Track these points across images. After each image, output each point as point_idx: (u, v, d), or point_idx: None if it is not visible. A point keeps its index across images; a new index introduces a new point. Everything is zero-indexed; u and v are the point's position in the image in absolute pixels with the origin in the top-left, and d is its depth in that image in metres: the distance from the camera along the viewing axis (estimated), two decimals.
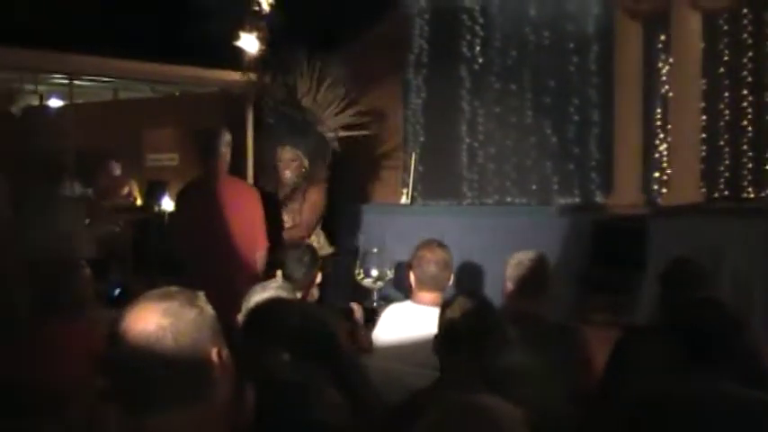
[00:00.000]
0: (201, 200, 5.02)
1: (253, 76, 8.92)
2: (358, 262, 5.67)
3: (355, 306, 4.32)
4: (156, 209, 10.55)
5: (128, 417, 1.60)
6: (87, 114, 12.95)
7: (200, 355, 1.64)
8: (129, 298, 3.46)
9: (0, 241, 3.92)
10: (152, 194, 11.18)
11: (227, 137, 5.08)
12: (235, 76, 9.73)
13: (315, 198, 5.84)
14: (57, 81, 14.75)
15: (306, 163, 5.84)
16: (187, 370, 1.62)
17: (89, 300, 3.41)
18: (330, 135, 6.92)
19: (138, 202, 11.80)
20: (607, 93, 9.46)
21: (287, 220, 5.76)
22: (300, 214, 5.79)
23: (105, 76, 14.07)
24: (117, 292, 3.54)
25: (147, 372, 1.60)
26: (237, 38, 11.10)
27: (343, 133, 7.17)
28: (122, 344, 1.61)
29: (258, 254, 5.00)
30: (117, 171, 10.96)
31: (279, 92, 7.30)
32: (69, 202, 4.53)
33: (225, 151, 5.06)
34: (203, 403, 1.63)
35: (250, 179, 9.51)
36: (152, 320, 1.62)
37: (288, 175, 5.80)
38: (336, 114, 7.29)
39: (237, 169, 5.99)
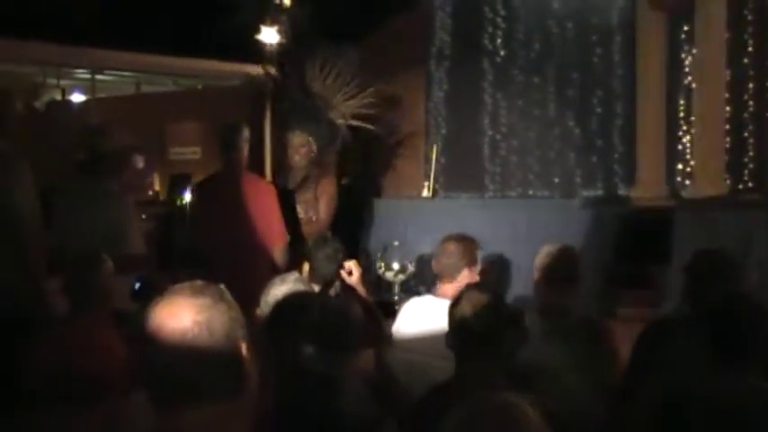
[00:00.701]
0: (219, 194, 5.03)
1: (272, 68, 8.94)
2: (379, 255, 5.67)
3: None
4: (179, 202, 10.59)
5: (162, 412, 1.60)
6: (109, 108, 13.02)
7: (234, 349, 1.65)
8: (150, 292, 3.49)
9: (29, 233, 3.97)
10: (175, 188, 11.24)
11: (245, 132, 5.07)
12: (257, 69, 9.75)
13: (330, 191, 5.84)
14: (79, 75, 14.86)
15: (315, 148, 5.83)
16: (222, 365, 1.62)
17: (112, 293, 3.43)
18: (341, 122, 6.90)
19: (159, 195, 11.87)
20: (630, 84, 9.39)
21: (300, 211, 5.74)
22: (314, 208, 5.77)
23: (128, 71, 14.16)
24: (138, 285, 3.55)
25: (183, 368, 1.60)
26: (259, 31, 11.13)
27: (354, 122, 7.14)
28: (157, 340, 1.61)
29: (277, 247, 5.00)
30: (140, 164, 11.00)
31: (289, 78, 7.30)
32: (118, 198, 4.56)
33: (243, 146, 5.06)
34: (236, 397, 1.63)
35: (268, 174, 9.53)
36: (187, 316, 1.62)
37: (297, 159, 5.79)
38: (347, 100, 7.26)
39: (257, 164, 5.99)
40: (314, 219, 5.81)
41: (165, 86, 15.63)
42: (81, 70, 14.41)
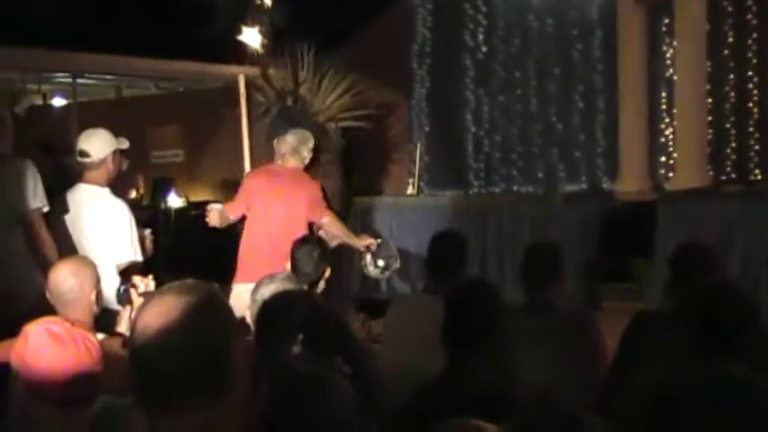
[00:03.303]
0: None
1: (254, 70, 8.91)
2: (364, 253, 5.67)
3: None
4: (163, 205, 10.55)
5: (148, 413, 1.60)
6: (91, 112, 12.96)
7: (222, 350, 1.64)
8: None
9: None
10: (158, 191, 11.20)
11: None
12: (238, 70, 9.72)
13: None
14: (60, 80, 14.76)
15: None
16: (210, 365, 1.61)
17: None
18: (330, 125, 6.91)
19: (140, 198, 11.83)
20: (612, 79, 9.43)
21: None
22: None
23: (109, 74, 14.08)
24: (123, 289, 3.55)
25: (168, 368, 1.59)
26: (240, 32, 11.10)
27: (344, 123, 7.16)
28: (142, 338, 1.60)
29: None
30: (125, 167, 10.96)
31: (277, 83, 7.30)
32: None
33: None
34: (225, 398, 1.62)
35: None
36: (172, 316, 1.61)
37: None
38: (335, 102, 7.26)
39: (237, 164, 6.06)
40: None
41: (146, 90, 15.55)
42: (62, 74, 14.31)
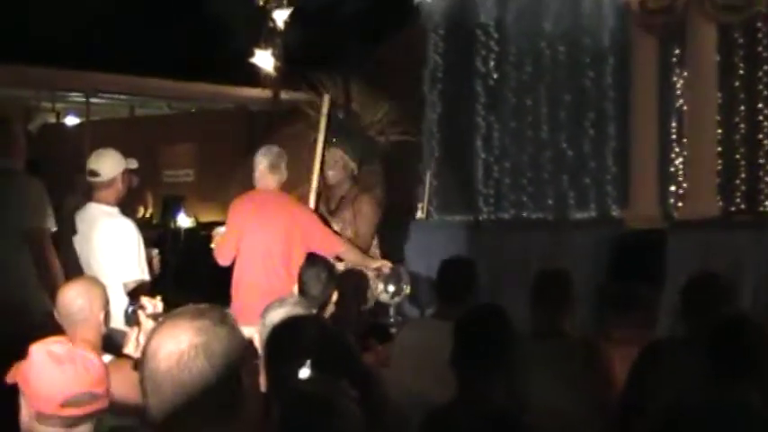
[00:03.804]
0: None
1: (266, 92, 8.95)
2: (374, 277, 5.67)
3: None
4: (173, 225, 10.58)
5: None
6: (104, 131, 13.04)
7: (232, 373, 1.65)
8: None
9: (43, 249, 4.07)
10: (168, 210, 11.23)
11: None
12: (251, 92, 9.77)
13: (366, 209, 5.81)
14: (73, 99, 14.87)
15: (352, 165, 5.84)
16: (219, 389, 1.62)
17: (106, 316, 3.42)
18: (380, 138, 6.89)
19: (150, 217, 11.86)
20: (623, 106, 9.44)
21: (338, 229, 5.73)
22: (353, 226, 5.74)
23: (122, 94, 14.18)
24: (131, 309, 3.55)
25: (179, 390, 1.60)
26: (253, 55, 11.18)
27: (394, 137, 7.13)
28: (154, 361, 1.61)
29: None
30: (135, 185, 11.02)
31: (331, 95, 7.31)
32: (130, 223, 4.60)
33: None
34: (234, 421, 1.63)
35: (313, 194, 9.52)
36: (185, 339, 1.62)
37: (331, 174, 5.81)
38: (384, 115, 7.22)
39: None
40: (351, 237, 5.77)
41: (159, 109, 15.65)
42: (75, 94, 14.42)
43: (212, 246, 5.27)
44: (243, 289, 5.05)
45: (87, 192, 4.67)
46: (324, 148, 5.92)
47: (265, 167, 5.16)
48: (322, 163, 5.86)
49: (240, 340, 1.69)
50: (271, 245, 5.05)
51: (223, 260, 5.18)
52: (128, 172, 4.66)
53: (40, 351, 2.62)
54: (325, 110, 6.09)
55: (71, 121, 15.56)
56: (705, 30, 8.94)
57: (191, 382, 1.60)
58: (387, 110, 6.97)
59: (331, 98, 6.38)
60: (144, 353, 1.64)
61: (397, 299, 5.51)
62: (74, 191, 6.99)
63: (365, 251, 5.63)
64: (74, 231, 4.49)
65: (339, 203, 5.81)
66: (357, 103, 7.08)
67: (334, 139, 6.02)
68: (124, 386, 2.51)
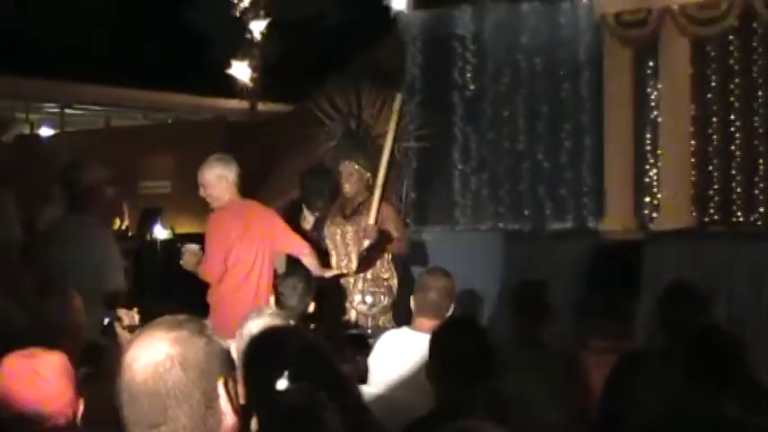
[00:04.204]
0: None
1: (243, 103, 8.95)
2: (352, 288, 5.67)
3: None
4: (149, 237, 10.53)
5: None
6: (79, 142, 12.97)
7: (208, 385, 1.64)
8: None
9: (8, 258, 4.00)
10: (145, 222, 11.17)
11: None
12: (228, 103, 9.76)
13: (390, 214, 5.86)
14: (48, 110, 14.79)
15: (367, 176, 5.87)
16: (195, 400, 1.61)
17: (81, 328, 3.39)
18: (395, 146, 6.90)
19: (126, 228, 11.77)
20: (599, 118, 9.53)
21: (352, 233, 5.76)
22: (378, 231, 5.74)
23: (98, 105, 14.12)
24: (108, 321, 3.53)
25: (155, 402, 1.59)
26: (230, 65, 11.17)
27: (406, 144, 7.16)
28: (130, 372, 1.60)
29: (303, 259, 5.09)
30: (111, 196, 10.95)
31: (341, 107, 7.31)
32: (106, 233, 4.56)
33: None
34: None
35: None
36: (161, 350, 1.61)
37: (347, 188, 5.85)
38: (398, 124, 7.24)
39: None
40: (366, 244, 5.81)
41: (135, 120, 15.60)
42: (50, 104, 14.34)
43: (184, 263, 5.04)
44: (229, 302, 4.96)
45: (64, 203, 4.65)
46: (392, 149, 5.99)
47: (234, 178, 5.09)
48: (387, 163, 5.92)
49: (218, 352, 1.68)
50: (254, 256, 5.03)
51: (214, 279, 5.02)
52: (105, 183, 4.64)
53: (12, 361, 2.59)
54: (396, 107, 6.12)
55: (46, 132, 15.47)
56: (679, 43, 9.05)
57: (166, 393, 1.59)
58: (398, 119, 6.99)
59: (344, 109, 6.43)
60: (120, 364, 1.63)
61: (374, 310, 5.50)
62: (49, 202, 6.94)
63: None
64: (51, 242, 4.46)
65: (356, 209, 5.85)
66: (368, 114, 7.10)
67: (346, 153, 6.07)
68: (102, 398, 2.49)
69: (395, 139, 6.03)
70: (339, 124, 7.24)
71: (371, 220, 5.64)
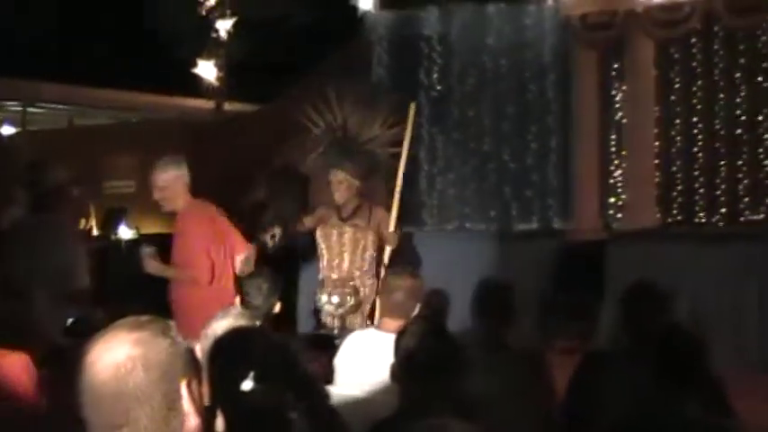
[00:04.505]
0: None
1: (209, 103, 8.91)
2: (318, 288, 5.67)
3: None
4: (114, 237, 10.42)
5: None
6: (42, 141, 12.81)
7: (170, 386, 1.62)
8: (84, 328, 3.44)
9: None
10: (110, 222, 11.06)
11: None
12: (194, 102, 9.70)
13: (385, 215, 5.91)
14: (10, 108, 14.59)
15: (357, 183, 5.91)
16: (157, 402, 1.60)
17: (44, 330, 3.36)
18: (380, 152, 6.92)
19: (91, 228, 11.65)
20: (564, 120, 9.60)
21: (350, 234, 5.82)
22: (363, 233, 5.82)
23: (61, 103, 13.95)
24: (71, 321, 3.50)
25: (117, 403, 1.58)
26: (196, 65, 11.10)
27: (392, 149, 7.17)
28: (91, 373, 1.59)
29: (239, 257, 5.01)
30: (75, 195, 10.84)
31: (326, 116, 7.30)
32: (67, 232, 4.52)
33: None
34: None
35: None
36: (122, 350, 1.60)
37: (337, 195, 5.90)
38: (388, 129, 7.24)
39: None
40: (365, 246, 5.85)
41: (99, 119, 15.44)
42: (11, 102, 14.15)
43: (151, 270, 4.91)
44: (197, 304, 4.83)
45: (26, 203, 4.60)
46: (407, 156, 6.05)
47: (188, 179, 5.05)
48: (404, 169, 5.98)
49: (182, 352, 1.67)
50: (224, 256, 5.01)
51: (209, 279, 4.92)
52: (69, 182, 4.61)
53: None
54: (411, 116, 6.18)
55: (7, 130, 15.26)
56: (643, 45, 9.14)
57: (128, 394, 1.58)
58: (382, 123, 7.02)
59: (328, 118, 6.50)
60: (82, 365, 1.62)
61: (341, 310, 5.50)
62: (12, 203, 6.86)
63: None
64: (15, 242, 4.41)
65: (353, 212, 5.90)
66: (354, 121, 7.11)
67: (334, 161, 6.10)
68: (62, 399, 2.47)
69: (392, 144, 6.11)
70: (325, 132, 7.25)
71: (392, 228, 5.76)
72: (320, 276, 5.91)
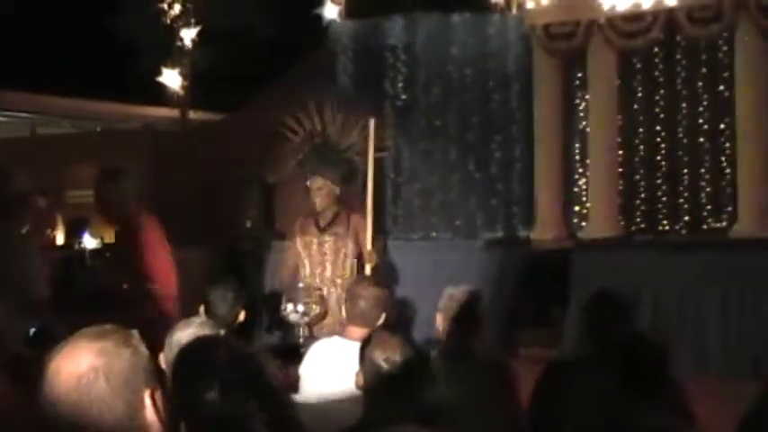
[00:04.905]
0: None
1: (173, 112, 8.86)
2: (284, 297, 5.65)
3: None
4: (77, 246, 10.32)
5: None
6: (4, 150, 12.65)
7: (133, 396, 1.61)
8: (46, 338, 3.39)
9: None
10: (73, 231, 10.95)
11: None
12: (158, 111, 9.64)
13: (364, 224, 5.91)
14: None
15: (336, 190, 5.93)
16: (120, 413, 1.59)
17: (4, 340, 3.31)
18: (358, 159, 6.93)
19: (54, 237, 11.52)
20: (528, 129, 9.67)
21: (330, 243, 5.82)
22: (344, 241, 5.82)
23: (23, 112, 13.80)
24: (33, 331, 3.45)
25: (78, 414, 1.56)
26: (160, 73, 11.04)
27: (377, 155, 7.19)
28: (53, 384, 1.57)
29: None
30: (42, 206, 10.72)
31: (306, 123, 7.30)
32: (25, 242, 4.46)
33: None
34: None
35: None
36: (85, 360, 1.58)
37: (317, 202, 5.91)
38: (359, 138, 7.27)
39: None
40: (345, 254, 5.85)
41: (63, 128, 15.28)
42: None
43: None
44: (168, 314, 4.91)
45: None
46: (374, 170, 6.06)
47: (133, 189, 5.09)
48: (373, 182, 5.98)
49: (144, 362, 1.66)
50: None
51: (174, 290, 4.94)
52: (34, 193, 4.56)
53: None
54: (371, 132, 6.19)
55: None
56: (606, 55, 9.24)
57: (90, 405, 1.56)
58: (360, 131, 7.04)
59: (307, 126, 6.48)
60: (44, 375, 1.60)
61: (306, 319, 5.48)
62: None
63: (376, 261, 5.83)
64: None
65: (331, 220, 5.90)
66: (333, 128, 7.13)
67: (313, 168, 6.10)
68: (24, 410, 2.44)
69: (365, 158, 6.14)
70: (304, 139, 7.26)
71: (369, 246, 5.75)
72: (300, 285, 5.88)
